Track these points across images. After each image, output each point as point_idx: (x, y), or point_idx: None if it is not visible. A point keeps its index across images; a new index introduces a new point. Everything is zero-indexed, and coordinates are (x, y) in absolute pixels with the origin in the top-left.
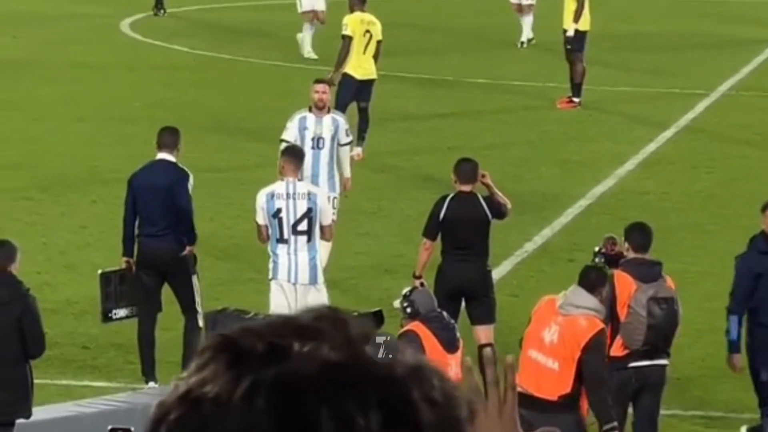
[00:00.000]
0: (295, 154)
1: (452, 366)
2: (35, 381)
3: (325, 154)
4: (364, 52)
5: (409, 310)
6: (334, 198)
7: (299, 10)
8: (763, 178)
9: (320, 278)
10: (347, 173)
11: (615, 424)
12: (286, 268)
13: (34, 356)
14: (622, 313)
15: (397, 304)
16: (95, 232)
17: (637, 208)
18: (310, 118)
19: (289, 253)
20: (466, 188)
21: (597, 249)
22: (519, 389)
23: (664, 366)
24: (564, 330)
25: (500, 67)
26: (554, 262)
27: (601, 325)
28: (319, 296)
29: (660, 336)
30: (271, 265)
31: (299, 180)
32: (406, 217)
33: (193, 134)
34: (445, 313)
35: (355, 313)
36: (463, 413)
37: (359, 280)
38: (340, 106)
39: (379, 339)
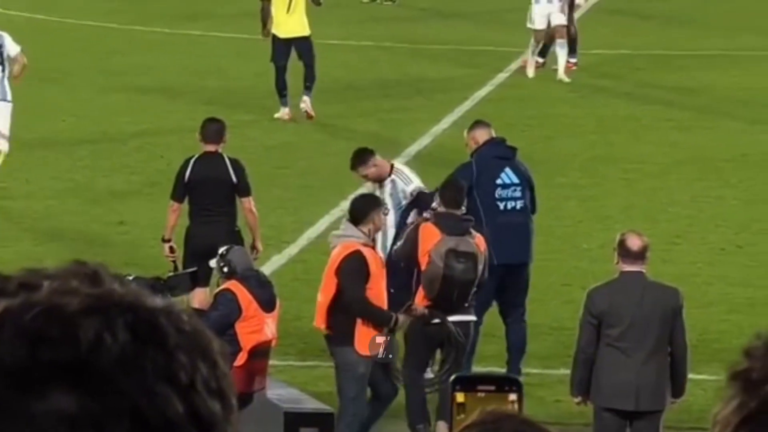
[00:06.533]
0: None
1: (269, 324)
2: None
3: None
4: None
5: (225, 269)
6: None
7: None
8: (580, 136)
9: None
10: None
11: (392, 314)
12: None
13: None
14: (423, 263)
15: (213, 263)
16: None
17: (452, 165)
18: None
19: None
20: (212, 148)
21: None
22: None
23: (468, 322)
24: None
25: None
26: None
27: (355, 248)
28: None
29: (453, 289)
30: None
31: None
32: None
33: None
34: (261, 271)
35: (171, 274)
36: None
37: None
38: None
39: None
